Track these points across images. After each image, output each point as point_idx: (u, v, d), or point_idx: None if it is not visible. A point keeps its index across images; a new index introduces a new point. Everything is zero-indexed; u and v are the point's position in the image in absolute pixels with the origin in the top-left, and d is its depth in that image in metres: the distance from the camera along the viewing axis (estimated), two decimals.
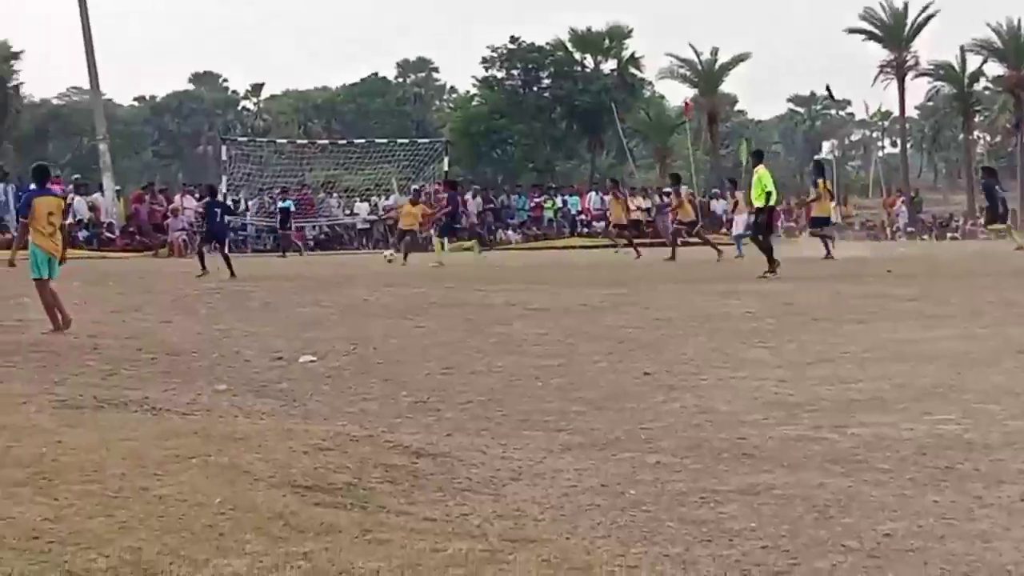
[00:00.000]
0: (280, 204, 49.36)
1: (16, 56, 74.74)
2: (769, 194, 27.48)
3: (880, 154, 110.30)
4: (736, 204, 43.35)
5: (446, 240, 37.54)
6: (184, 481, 7.16)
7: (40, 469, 7.32)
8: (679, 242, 38.69)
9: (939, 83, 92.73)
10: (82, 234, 45.04)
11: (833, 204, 40.37)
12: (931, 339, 15.16)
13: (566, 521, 7.04)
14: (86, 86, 60.80)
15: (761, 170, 27.87)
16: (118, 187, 52.35)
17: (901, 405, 10.63)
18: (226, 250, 30.87)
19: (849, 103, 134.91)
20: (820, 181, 36.40)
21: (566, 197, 60.93)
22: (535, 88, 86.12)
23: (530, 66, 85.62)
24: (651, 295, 22.42)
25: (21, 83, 78.21)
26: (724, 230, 60.34)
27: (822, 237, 35.76)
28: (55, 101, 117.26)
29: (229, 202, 47.68)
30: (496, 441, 9.36)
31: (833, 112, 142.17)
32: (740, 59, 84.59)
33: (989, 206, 41.66)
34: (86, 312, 19.02)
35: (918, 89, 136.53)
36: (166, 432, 8.75)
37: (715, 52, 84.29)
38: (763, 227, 27.81)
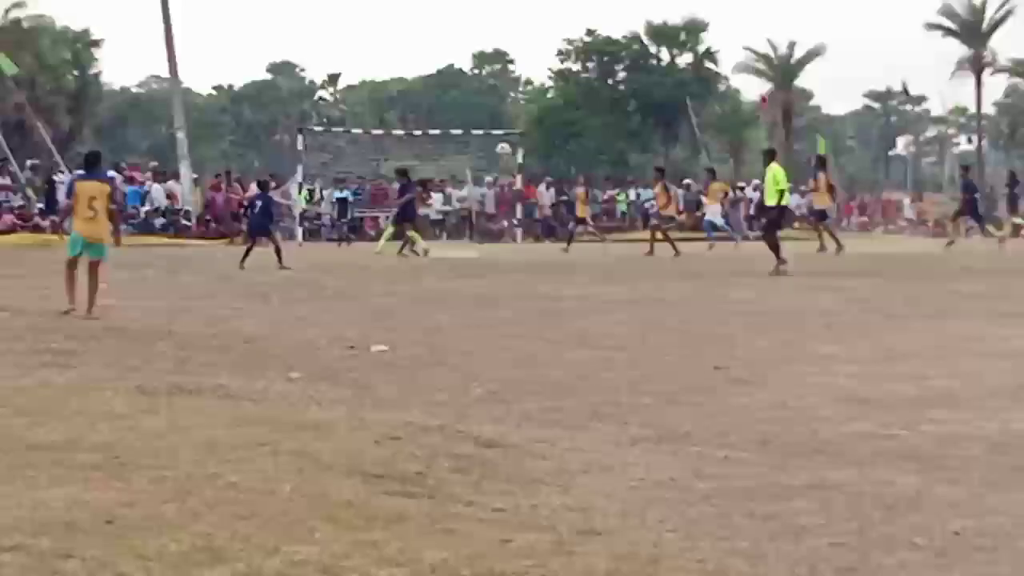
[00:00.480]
0: (337, 195, 49.51)
1: (96, 44, 75.26)
2: (782, 192, 27.50)
3: (956, 151, 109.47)
4: (726, 194, 43.76)
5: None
6: (256, 468, 7.22)
7: (115, 454, 7.41)
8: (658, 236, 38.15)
9: (1017, 79, 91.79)
10: (159, 221, 45.38)
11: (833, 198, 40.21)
12: (1005, 336, 15.07)
13: (634, 514, 7.05)
14: (165, 74, 61.26)
15: (775, 167, 27.76)
16: (195, 175, 52.72)
17: (973, 403, 10.59)
18: (277, 240, 30.70)
19: (925, 99, 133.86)
20: (821, 175, 36.05)
21: (639, 190, 60.70)
22: (610, 81, 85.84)
23: (605, 59, 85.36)
24: (724, 289, 22.38)
25: (101, 71, 78.75)
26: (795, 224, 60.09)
27: (819, 230, 35.40)
28: (134, 89, 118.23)
29: (305, 191, 47.90)
30: (566, 433, 9.38)
31: (909, 108, 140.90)
32: (816, 53, 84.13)
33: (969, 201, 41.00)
34: (161, 299, 19.22)
35: (996, 86, 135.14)
36: (238, 419, 8.82)
37: (791, 46, 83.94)
38: (774, 224, 27.69)
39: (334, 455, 7.72)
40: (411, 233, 35.10)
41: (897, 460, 8.38)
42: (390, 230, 36.11)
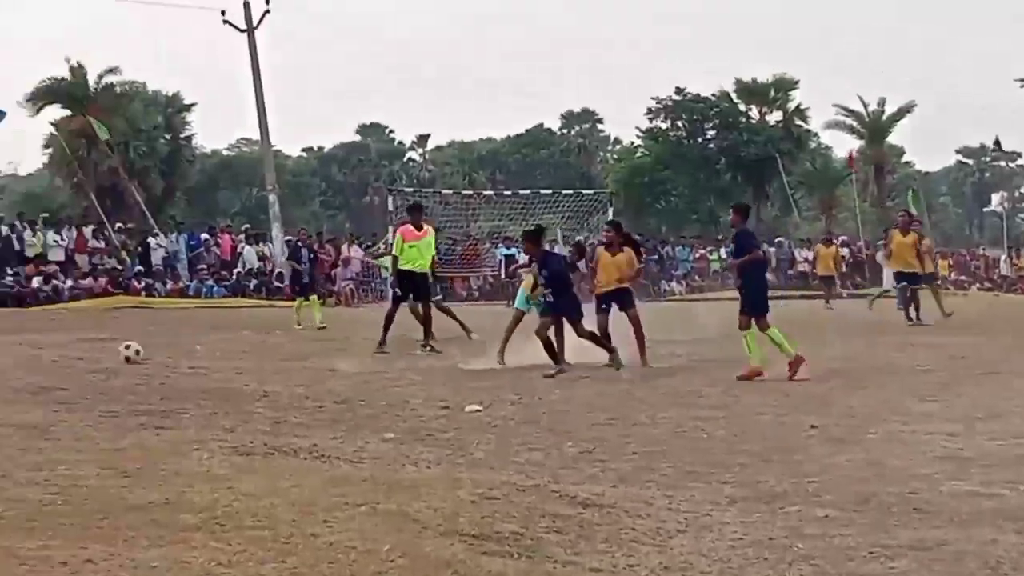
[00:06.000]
0: (504, 252, 49.05)
1: (188, 108, 76.24)
2: None
3: None
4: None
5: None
6: (353, 528, 7.23)
7: (213, 514, 7.44)
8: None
9: None
10: (252, 283, 45.67)
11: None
12: None
13: (733, 574, 7.00)
14: (255, 136, 61.98)
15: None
16: (288, 237, 53.13)
17: None
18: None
19: (1019, 155, 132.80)
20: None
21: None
22: (699, 139, 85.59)
23: (694, 117, 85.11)
24: (817, 347, 22.19)
25: (193, 134, 79.76)
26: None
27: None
28: (225, 152, 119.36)
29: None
30: (662, 492, 9.34)
31: (1003, 164, 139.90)
32: (907, 110, 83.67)
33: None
34: (255, 360, 19.32)
35: None
36: (335, 479, 8.84)
37: (882, 103, 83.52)
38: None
39: (431, 515, 7.72)
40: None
41: (999, 520, 8.27)
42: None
